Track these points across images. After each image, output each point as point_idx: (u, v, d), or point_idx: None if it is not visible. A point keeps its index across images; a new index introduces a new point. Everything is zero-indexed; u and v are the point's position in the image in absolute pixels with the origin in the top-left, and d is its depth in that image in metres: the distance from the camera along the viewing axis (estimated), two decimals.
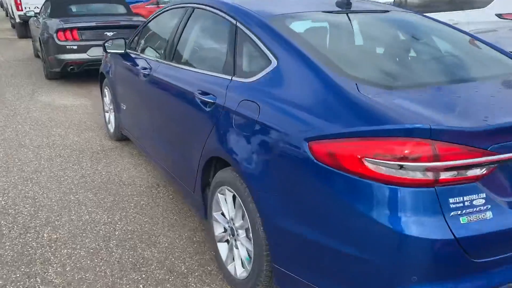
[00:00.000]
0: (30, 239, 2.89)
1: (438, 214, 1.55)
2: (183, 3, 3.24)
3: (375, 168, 1.58)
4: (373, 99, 1.73)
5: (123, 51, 3.97)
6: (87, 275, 2.54)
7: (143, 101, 3.50)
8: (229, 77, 2.42)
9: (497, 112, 1.71)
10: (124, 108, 4.09)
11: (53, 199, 3.45)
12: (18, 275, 2.53)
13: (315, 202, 1.79)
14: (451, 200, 1.57)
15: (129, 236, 2.94)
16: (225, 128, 2.30)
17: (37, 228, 3.03)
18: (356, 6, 2.71)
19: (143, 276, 2.54)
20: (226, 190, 2.38)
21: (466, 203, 1.58)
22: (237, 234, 2.35)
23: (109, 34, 7.16)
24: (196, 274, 2.57)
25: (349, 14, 2.58)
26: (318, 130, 1.75)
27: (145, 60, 3.52)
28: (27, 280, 2.49)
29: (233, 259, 2.43)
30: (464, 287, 1.61)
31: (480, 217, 1.59)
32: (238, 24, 2.48)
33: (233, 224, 2.38)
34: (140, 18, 7.97)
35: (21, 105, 6.20)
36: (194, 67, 2.81)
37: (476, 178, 1.60)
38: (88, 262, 2.66)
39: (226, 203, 2.43)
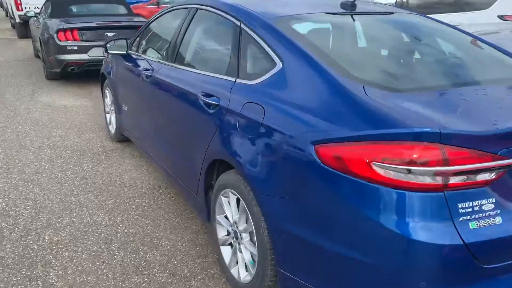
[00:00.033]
0: (31, 242, 2.87)
1: (447, 219, 1.53)
2: (186, 4, 3.22)
3: (384, 173, 1.56)
4: (380, 102, 1.71)
5: (124, 52, 3.95)
6: (89, 278, 2.51)
7: (145, 102, 3.47)
8: (233, 79, 2.39)
9: (506, 116, 1.69)
10: (126, 109, 4.07)
11: (54, 200, 3.42)
12: (19, 278, 2.51)
13: (321, 206, 1.77)
14: (460, 205, 1.55)
15: (131, 238, 2.92)
16: (229, 130, 2.27)
17: (38, 230, 3.01)
18: (360, 8, 2.69)
19: (146, 279, 2.51)
20: (230, 193, 2.36)
21: (476, 208, 1.56)
22: (241, 238, 2.33)
23: (110, 34, 7.14)
24: (199, 277, 2.54)
25: (354, 16, 2.56)
26: (325, 134, 1.73)
27: (147, 61, 3.50)
28: (28, 283, 2.47)
29: (237, 262, 2.41)
30: None
31: (489, 222, 1.57)
32: (242, 26, 2.46)
33: (237, 227, 2.35)
34: (141, 19, 7.95)
35: (21, 105, 6.17)
36: (197, 69, 2.79)
37: (486, 183, 1.58)
38: (90, 265, 2.64)
39: (230, 206, 2.41)
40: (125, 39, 4.03)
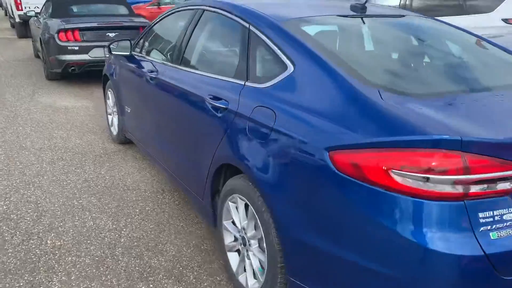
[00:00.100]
0: (33, 246, 2.81)
1: (468, 229, 1.49)
2: (192, 5, 3.17)
3: (402, 181, 1.52)
4: (397, 108, 1.66)
5: (128, 53, 3.90)
6: (93, 285, 2.46)
7: (149, 104, 3.42)
8: (242, 82, 2.35)
9: None
10: (129, 111, 4.01)
11: (56, 204, 3.37)
12: (21, 284, 2.45)
13: (335, 213, 1.72)
14: (480, 215, 1.50)
15: (135, 243, 2.87)
16: (238, 135, 2.23)
17: (40, 234, 2.95)
18: (370, 10, 2.65)
19: (151, 286, 2.46)
20: (238, 199, 2.31)
21: (496, 218, 1.51)
22: (249, 244, 2.28)
23: (111, 35, 7.10)
24: (205, 284, 2.49)
25: (365, 19, 2.51)
26: (340, 140, 1.68)
27: (152, 62, 3.45)
28: None
29: (244, 269, 2.36)
30: None
31: (510, 232, 1.52)
32: (252, 28, 2.41)
33: (245, 233, 2.30)
34: (142, 19, 7.90)
35: (21, 106, 6.12)
36: (204, 71, 2.74)
37: (506, 192, 1.53)
38: (94, 270, 2.58)
39: (238, 212, 2.36)
40: (129, 40, 3.98)
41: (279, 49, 2.19)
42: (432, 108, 1.69)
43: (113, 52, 3.95)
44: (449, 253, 1.48)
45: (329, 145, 1.71)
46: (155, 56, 3.54)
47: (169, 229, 3.05)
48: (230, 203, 2.40)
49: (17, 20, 13.25)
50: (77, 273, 2.55)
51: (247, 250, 2.32)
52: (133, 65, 3.79)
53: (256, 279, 2.27)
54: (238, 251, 2.44)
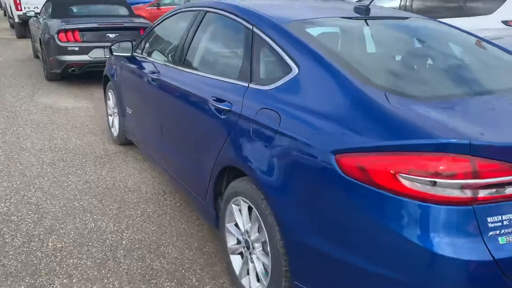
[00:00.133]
0: (34, 248, 2.79)
1: (476, 233, 1.48)
2: (194, 7, 3.15)
3: (410, 185, 1.50)
4: (405, 111, 1.65)
5: (129, 54, 3.88)
6: (94, 287, 2.44)
7: (151, 105, 3.41)
8: (246, 84, 2.33)
9: None
10: (130, 112, 4.00)
11: (56, 205, 3.35)
12: (23, 287, 2.43)
13: (341, 217, 1.70)
14: (489, 219, 1.49)
15: (137, 245, 2.85)
16: (242, 137, 2.21)
17: (41, 236, 2.93)
18: (374, 12, 2.63)
19: None
20: (241, 201, 2.29)
21: (505, 223, 1.50)
22: (253, 247, 2.26)
23: (111, 35, 7.08)
24: (208, 287, 2.47)
25: (370, 21, 2.50)
26: (347, 143, 1.67)
27: (153, 64, 3.43)
28: None
29: (248, 272, 2.34)
30: None
31: None
32: (255, 30, 2.39)
33: (248, 236, 2.29)
34: (142, 20, 7.89)
35: (21, 106, 6.09)
36: (207, 73, 2.72)
37: None
38: (95, 273, 2.56)
39: (241, 214, 2.34)
40: (130, 41, 3.97)
41: (283, 51, 2.18)
42: (439, 111, 1.68)
43: (114, 53, 3.93)
44: (458, 258, 1.46)
45: (336, 148, 1.70)
46: (157, 57, 3.52)
47: (171, 231, 3.03)
48: (233, 205, 2.39)
49: (16, 20, 13.21)
50: (78, 276, 2.53)
51: (250, 253, 2.30)
52: (134, 66, 3.78)
53: (260, 283, 2.25)
54: (241, 253, 2.42)
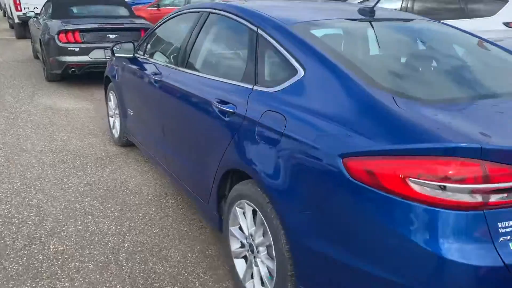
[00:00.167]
0: (35, 251, 2.76)
1: (487, 239, 1.46)
2: (197, 8, 3.13)
3: (420, 189, 1.48)
4: (413, 114, 1.63)
5: (131, 55, 3.85)
6: None
7: (153, 107, 3.38)
8: (250, 86, 2.31)
9: None
10: (131, 113, 3.97)
11: (58, 207, 3.32)
12: None
13: (348, 221, 1.68)
14: (500, 225, 1.47)
15: (139, 248, 2.82)
16: (247, 140, 2.19)
17: (43, 238, 2.91)
18: (379, 14, 2.62)
19: None
20: (246, 204, 2.27)
21: None
22: (257, 251, 2.24)
23: (112, 36, 7.06)
24: None
25: (375, 23, 2.48)
26: (354, 146, 1.65)
27: (156, 65, 3.41)
28: None
29: (252, 276, 2.32)
30: None
31: None
32: (260, 31, 2.37)
33: (253, 240, 2.26)
34: (143, 21, 7.86)
35: (21, 107, 6.06)
36: (210, 74, 2.69)
37: None
38: (98, 276, 2.54)
39: (245, 217, 2.32)
40: (132, 42, 3.94)
41: (289, 53, 2.16)
42: (447, 114, 1.66)
43: (116, 54, 3.91)
44: (468, 263, 1.44)
45: (343, 152, 1.68)
46: (159, 58, 3.50)
47: (173, 234, 3.00)
48: (237, 208, 2.36)
49: (16, 20, 13.18)
50: (80, 279, 2.51)
51: (254, 257, 2.28)
52: (136, 68, 3.75)
53: (264, 286, 2.23)
54: (245, 257, 2.40)
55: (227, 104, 2.37)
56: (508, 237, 1.47)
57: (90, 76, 7.62)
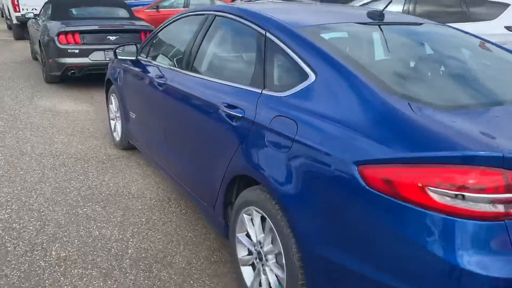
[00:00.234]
0: (37, 257, 2.71)
1: (508, 250, 1.42)
2: (202, 11, 3.09)
3: (439, 199, 1.44)
4: (431, 121, 1.59)
5: (134, 58, 3.81)
6: None
7: (156, 111, 3.33)
8: (259, 90, 2.27)
9: None
10: (134, 116, 3.92)
11: (59, 212, 3.27)
12: None
13: (363, 230, 1.64)
14: None
15: (143, 255, 2.77)
16: (256, 145, 2.14)
17: (44, 244, 2.85)
18: (388, 18, 2.58)
19: None
20: (254, 211, 2.23)
21: None
22: (266, 259, 2.19)
23: (112, 38, 7.01)
24: None
25: (384, 27, 2.44)
26: (371, 154, 1.61)
27: (160, 68, 3.36)
28: None
29: (260, 284, 2.27)
30: None
31: None
32: (268, 35, 2.33)
33: (261, 247, 2.22)
34: (143, 23, 7.82)
35: (20, 109, 6.00)
36: (217, 78, 2.65)
37: None
38: (101, 284, 2.49)
39: (253, 224, 2.28)
40: (135, 44, 3.89)
41: (299, 57, 2.12)
42: (464, 121, 1.63)
43: (119, 57, 3.86)
44: (488, 275, 1.40)
45: (358, 159, 1.63)
46: (163, 61, 3.45)
47: (177, 239, 2.96)
48: (244, 215, 2.32)
49: (14, 21, 13.10)
50: (84, 287, 2.45)
51: (263, 265, 2.23)
52: (139, 70, 3.70)
53: None
54: (252, 265, 2.35)
55: (235, 109, 2.33)
56: None
57: (90, 78, 7.56)
